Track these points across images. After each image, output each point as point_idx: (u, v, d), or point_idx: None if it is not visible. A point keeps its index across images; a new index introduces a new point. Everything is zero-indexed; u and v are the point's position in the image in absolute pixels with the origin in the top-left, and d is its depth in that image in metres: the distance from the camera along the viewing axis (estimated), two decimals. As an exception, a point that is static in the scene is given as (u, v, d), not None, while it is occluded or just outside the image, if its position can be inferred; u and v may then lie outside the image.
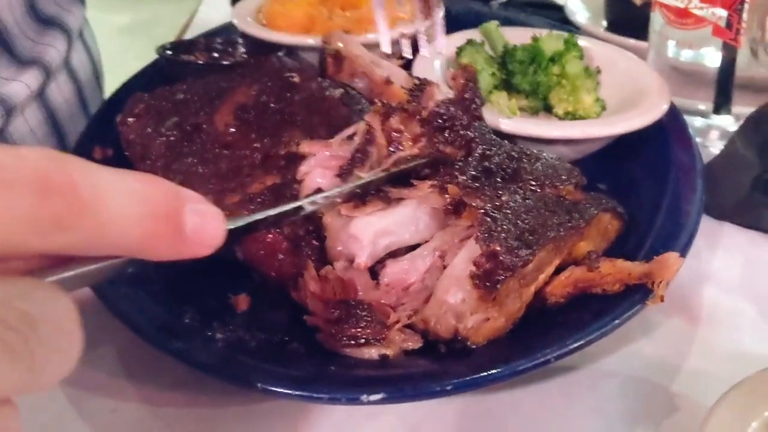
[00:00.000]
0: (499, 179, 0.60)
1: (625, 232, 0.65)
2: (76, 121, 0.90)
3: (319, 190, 0.60)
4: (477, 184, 0.58)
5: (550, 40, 0.82)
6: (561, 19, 1.22)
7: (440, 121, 0.62)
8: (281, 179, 0.67)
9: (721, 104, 0.90)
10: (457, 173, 0.59)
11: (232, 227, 0.44)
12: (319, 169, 0.65)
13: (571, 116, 0.84)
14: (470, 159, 0.61)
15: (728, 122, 0.92)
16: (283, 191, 0.65)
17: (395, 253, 0.60)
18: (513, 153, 0.63)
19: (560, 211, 0.56)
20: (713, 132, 0.93)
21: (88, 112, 0.94)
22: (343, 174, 0.61)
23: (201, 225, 0.34)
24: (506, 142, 0.65)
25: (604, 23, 1.22)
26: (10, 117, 0.77)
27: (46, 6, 0.88)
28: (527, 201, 0.56)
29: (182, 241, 0.33)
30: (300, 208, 0.53)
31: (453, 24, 1.06)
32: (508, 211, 0.54)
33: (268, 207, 0.64)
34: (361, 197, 0.58)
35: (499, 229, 0.52)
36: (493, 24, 0.89)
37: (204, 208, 0.35)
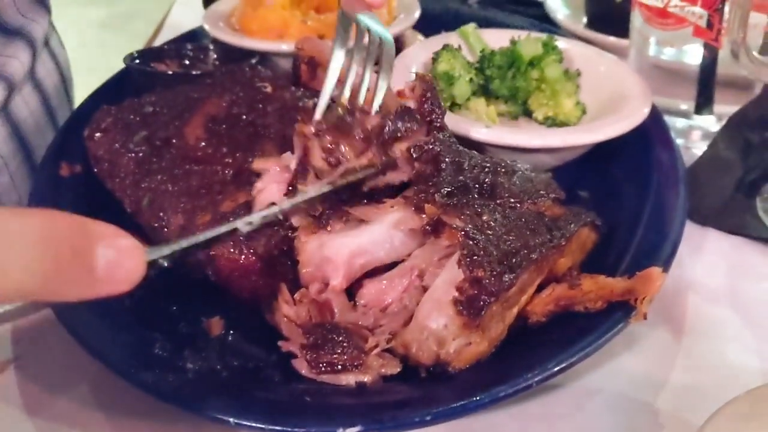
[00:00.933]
0: (476, 195, 0.58)
1: (607, 243, 0.63)
2: (44, 134, 0.87)
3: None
4: (454, 201, 0.57)
5: (529, 43, 0.80)
6: (541, 17, 1.20)
7: (388, 132, 0.60)
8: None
9: (703, 104, 0.89)
10: (432, 190, 0.57)
11: (156, 258, 0.43)
12: (274, 184, 0.63)
13: (552, 121, 0.82)
14: (443, 174, 0.59)
15: (710, 122, 0.91)
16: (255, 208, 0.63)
17: (371, 272, 0.59)
18: (487, 165, 0.61)
19: (541, 230, 0.54)
20: (695, 133, 0.92)
21: (56, 124, 0.91)
22: (290, 190, 0.60)
23: (115, 262, 0.33)
24: (474, 152, 0.63)
25: (584, 20, 1.20)
26: None
27: (9, 17, 0.85)
28: (507, 219, 0.54)
29: (94, 281, 0.32)
30: (235, 230, 0.52)
31: (431, 24, 1.04)
32: (490, 232, 0.52)
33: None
34: (319, 219, 0.57)
35: (481, 252, 0.50)
36: (470, 27, 0.88)
37: (120, 243, 0.33)
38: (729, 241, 0.75)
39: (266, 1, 0.93)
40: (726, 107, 0.88)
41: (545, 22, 1.18)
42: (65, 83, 0.99)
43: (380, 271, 0.59)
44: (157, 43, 1.19)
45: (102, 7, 5.44)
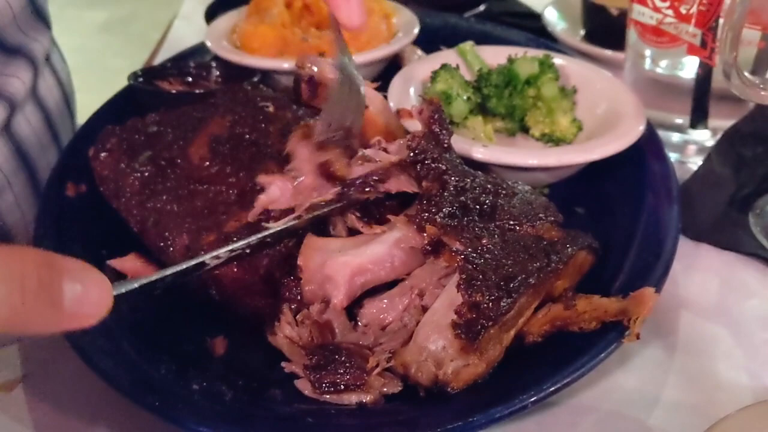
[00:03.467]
0: (476, 216, 0.59)
1: (602, 261, 0.65)
2: (47, 151, 0.89)
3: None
4: (455, 222, 0.58)
5: (525, 62, 0.81)
6: (538, 29, 1.21)
7: (413, 155, 0.62)
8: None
9: (698, 119, 0.90)
10: (434, 209, 0.59)
11: (124, 291, 0.44)
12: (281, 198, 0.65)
13: (548, 137, 0.84)
14: (445, 193, 0.61)
15: (705, 137, 0.92)
16: (260, 229, 0.65)
17: (372, 290, 0.60)
18: (488, 186, 0.63)
19: (539, 254, 0.56)
20: (691, 147, 0.93)
21: (58, 141, 0.92)
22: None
23: (82, 296, 0.33)
24: (479, 172, 0.65)
25: (582, 32, 1.22)
26: None
27: (10, 35, 0.86)
28: (506, 243, 0.56)
29: (60, 314, 0.33)
30: (202, 263, 0.53)
31: (429, 37, 1.05)
32: (489, 256, 0.54)
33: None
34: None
35: (480, 277, 0.52)
36: (468, 45, 0.89)
37: (86, 277, 0.34)
38: (722, 257, 0.76)
39: (267, 19, 0.95)
40: (721, 121, 0.90)
41: (543, 35, 1.19)
42: (67, 99, 1.00)
43: (381, 289, 0.61)
44: (160, 57, 1.21)
45: (103, 10, 5.46)
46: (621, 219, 0.73)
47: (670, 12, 0.84)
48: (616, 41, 1.08)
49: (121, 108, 0.87)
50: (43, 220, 0.71)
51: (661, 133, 0.93)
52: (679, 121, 0.92)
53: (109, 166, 0.73)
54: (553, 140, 0.84)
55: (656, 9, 0.85)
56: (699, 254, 0.77)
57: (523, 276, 0.54)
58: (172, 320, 0.63)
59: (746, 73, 0.73)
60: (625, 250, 0.67)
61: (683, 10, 0.82)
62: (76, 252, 0.67)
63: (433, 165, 0.61)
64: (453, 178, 0.62)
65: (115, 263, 0.68)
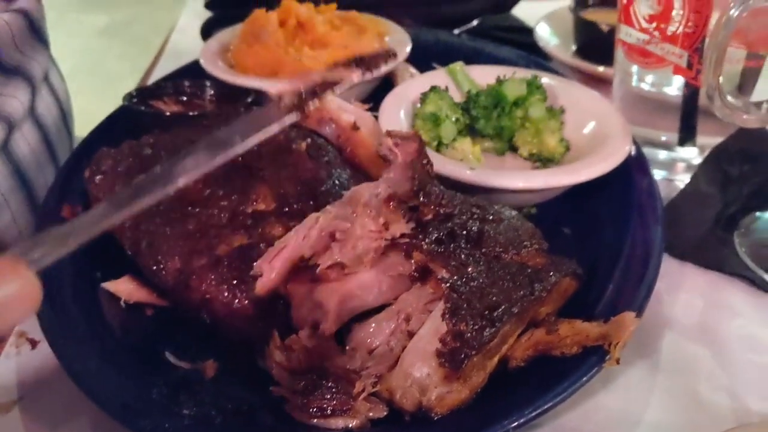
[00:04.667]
0: (463, 243, 0.60)
1: (585, 284, 0.66)
2: (44, 170, 0.90)
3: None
4: (441, 249, 0.59)
5: (513, 84, 0.83)
6: (530, 44, 1.23)
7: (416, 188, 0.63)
8: (248, 239, 0.68)
9: (686, 138, 0.92)
10: (420, 235, 0.60)
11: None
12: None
13: (536, 157, 0.85)
14: (434, 220, 0.62)
15: (693, 154, 0.93)
16: (250, 253, 0.66)
17: (359, 314, 0.62)
18: (475, 211, 0.64)
19: (524, 282, 0.57)
20: (678, 165, 0.95)
21: (56, 159, 0.94)
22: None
23: (9, 302, 0.35)
24: (466, 196, 0.66)
25: (573, 47, 1.23)
26: None
27: (8, 56, 0.87)
28: (492, 271, 0.57)
29: None
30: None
31: (422, 54, 1.07)
32: (474, 284, 0.55)
33: (236, 270, 0.66)
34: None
35: (465, 306, 0.53)
36: (458, 65, 0.90)
37: (9, 284, 0.35)
38: (705, 277, 0.77)
39: (262, 37, 0.96)
40: (709, 138, 0.91)
41: (535, 50, 1.21)
42: (65, 116, 1.01)
43: (368, 313, 0.62)
44: (157, 70, 1.22)
45: (102, 14, 5.48)
46: (605, 240, 0.74)
47: (656, 33, 0.85)
48: (607, 57, 1.10)
49: (116, 128, 0.88)
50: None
51: (649, 151, 0.94)
52: (666, 138, 0.94)
53: (104, 188, 0.75)
54: (541, 159, 0.85)
55: (643, 30, 0.87)
56: (684, 273, 0.78)
57: (507, 305, 0.55)
58: (163, 342, 0.64)
59: (729, 97, 0.75)
60: (608, 272, 0.68)
61: (669, 32, 0.84)
62: (69, 273, 0.70)
63: (433, 197, 0.62)
64: (442, 204, 0.63)
65: (109, 285, 0.70)
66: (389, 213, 0.61)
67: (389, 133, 0.75)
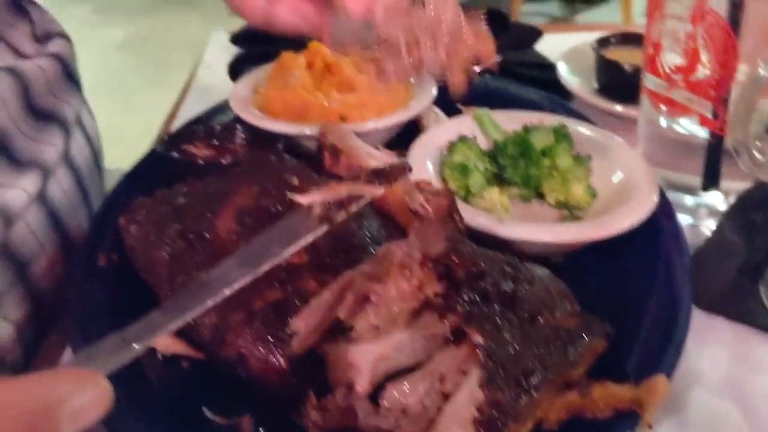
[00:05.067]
0: (497, 304, 0.61)
1: (614, 340, 0.67)
2: (78, 213, 0.91)
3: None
4: (475, 310, 0.60)
5: (541, 133, 0.84)
6: (552, 81, 1.24)
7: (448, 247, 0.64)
8: (282, 293, 0.69)
9: (710, 184, 0.92)
10: (454, 295, 0.61)
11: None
12: None
13: (563, 205, 0.86)
14: (467, 279, 0.63)
15: (718, 200, 0.94)
16: (285, 309, 0.67)
17: (394, 374, 0.63)
18: (507, 270, 0.65)
19: (558, 347, 0.58)
20: (703, 210, 0.95)
21: (89, 200, 0.95)
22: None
23: (80, 412, 0.38)
24: (494, 253, 0.67)
25: (595, 85, 1.24)
26: (10, 226, 0.77)
27: (42, 100, 0.88)
28: (526, 336, 0.58)
29: None
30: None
31: (444, 94, 1.08)
32: (510, 350, 0.56)
33: (271, 326, 0.67)
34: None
35: (501, 373, 0.54)
36: (484, 113, 0.92)
37: (82, 393, 0.38)
38: (733, 330, 0.78)
39: (290, 81, 0.98)
40: (734, 183, 0.92)
41: (557, 87, 1.22)
42: (96, 156, 1.03)
43: (402, 371, 0.63)
44: (185, 107, 1.25)
45: (120, 29, 5.55)
46: (632, 292, 0.75)
47: (682, 84, 0.86)
48: (629, 96, 1.11)
49: (148, 174, 0.90)
50: (75, 292, 0.74)
51: (674, 195, 0.95)
52: (692, 181, 0.94)
53: (139, 238, 0.76)
54: (568, 207, 0.86)
55: (668, 80, 0.88)
56: (711, 325, 0.78)
57: (543, 371, 0.56)
58: (200, 397, 0.65)
59: (756, 153, 0.75)
60: (636, 328, 0.69)
61: (695, 83, 0.85)
62: (107, 323, 0.71)
63: (466, 256, 0.63)
64: (474, 263, 0.64)
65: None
66: (423, 274, 0.62)
67: (420, 187, 0.76)
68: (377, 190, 0.64)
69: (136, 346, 0.49)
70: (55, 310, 0.83)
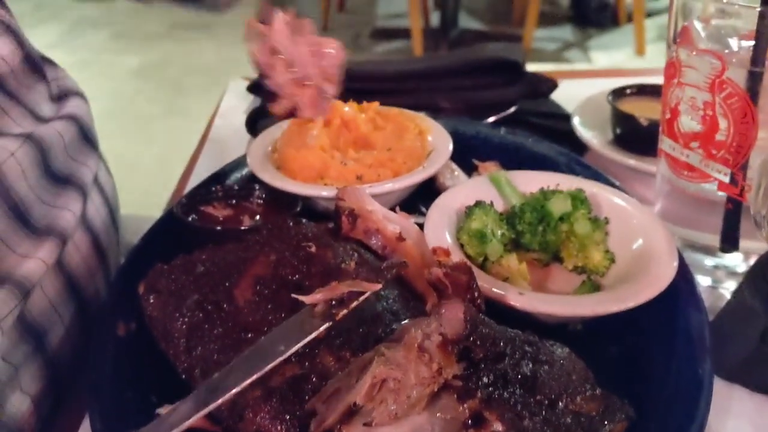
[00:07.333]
0: (517, 388, 0.61)
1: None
2: (95, 277, 0.90)
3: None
4: (495, 394, 0.60)
5: (558, 200, 0.84)
6: (567, 132, 1.24)
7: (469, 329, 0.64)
8: (300, 369, 0.69)
9: (728, 248, 0.91)
10: (474, 377, 0.61)
11: None
12: None
13: (581, 270, 0.86)
14: (487, 361, 0.63)
15: (737, 261, 0.93)
16: (303, 385, 0.67)
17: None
18: (527, 350, 0.65)
19: (578, 433, 0.58)
20: (722, 271, 0.95)
21: (106, 263, 0.95)
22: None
23: None
24: (514, 332, 0.67)
25: (610, 135, 1.24)
26: (27, 297, 0.75)
27: (61, 164, 0.88)
28: (546, 422, 0.58)
29: None
30: None
31: (461, 147, 1.08)
32: None
33: (289, 403, 0.67)
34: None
35: None
36: (501, 175, 0.92)
37: None
38: (753, 400, 0.77)
39: (308, 140, 0.99)
40: (753, 243, 0.91)
41: (572, 138, 1.22)
42: (112, 214, 1.02)
43: (420, 452, 0.63)
44: (201, 157, 1.25)
45: (135, 55, 5.62)
46: (652, 362, 0.75)
47: (699, 151, 0.86)
48: (645, 149, 1.11)
49: (164, 236, 0.90)
50: (95, 363, 0.74)
51: (693, 256, 0.94)
52: (710, 241, 0.94)
53: (158, 308, 0.77)
54: (585, 272, 0.86)
55: (686, 146, 0.88)
56: (732, 396, 0.78)
57: (564, 460, 0.55)
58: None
59: (777, 226, 0.75)
60: (657, 405, 0.68)
61: (713, 150, 0.84)
62: (125, 398, 0.72)
63: (486, 338, 0.63)
64: (496, 344, 0.64)
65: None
66: (443, 357, 0.62)
67: (438, 259, 0.76)
68: (377, 287, 0.66)
69: None
70: (72, 380, 0.83)
